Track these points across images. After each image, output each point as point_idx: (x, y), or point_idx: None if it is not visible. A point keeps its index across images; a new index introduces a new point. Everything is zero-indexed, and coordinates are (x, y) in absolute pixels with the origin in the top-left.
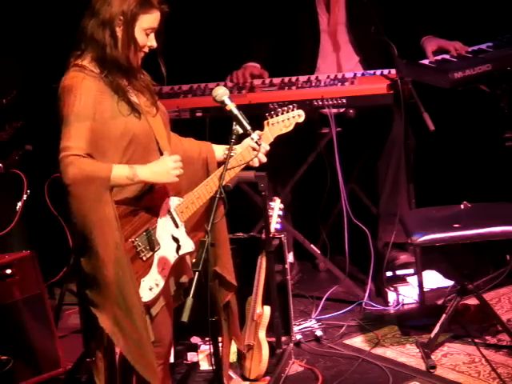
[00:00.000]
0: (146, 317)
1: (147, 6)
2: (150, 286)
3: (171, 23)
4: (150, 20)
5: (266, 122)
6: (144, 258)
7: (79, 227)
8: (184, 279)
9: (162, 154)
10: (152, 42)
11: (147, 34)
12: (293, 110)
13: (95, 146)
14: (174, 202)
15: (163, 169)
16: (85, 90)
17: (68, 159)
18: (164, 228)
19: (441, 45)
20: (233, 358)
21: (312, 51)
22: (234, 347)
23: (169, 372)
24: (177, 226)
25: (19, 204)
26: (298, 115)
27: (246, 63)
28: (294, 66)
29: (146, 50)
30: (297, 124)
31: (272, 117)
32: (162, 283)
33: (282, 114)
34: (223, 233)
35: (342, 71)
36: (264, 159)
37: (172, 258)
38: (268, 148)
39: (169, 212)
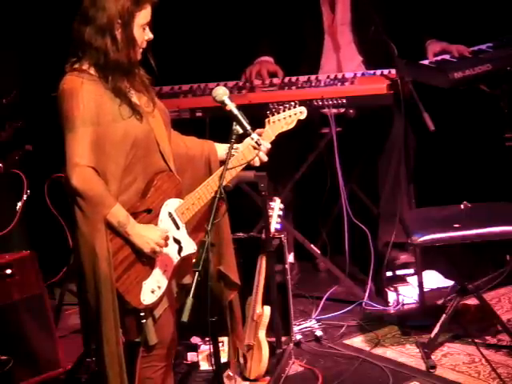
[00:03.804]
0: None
1: (142, 2)
2: (152, 288)
3: (172, 23)
4: (145, 15)
5: (267, 119)
6: (144, 261)
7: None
8: (187, 280)
9: (162, 154)
10: (149, 35)
11: (144, 29)
12: (294, 107)
13: (102, 150)
14: (174, 203)
15: (148, 237)
16: (86, 94)
17: (80, 175)
18: None
19: (444, 47)
20: None
21: (316, 50)
22: None
23: (171, 373)
24: (178, 228)
25: (19, 204)
26: (300, 112)
27: (258, 58)
28: (297, 65)
29: (145, 44)
30: (297, 123)
31: (273, 114)
32: (164, 285)
33: (284, 111)
34: (226, 232)
35: (344, 71)
36: (265, 158)
37: (174, 259)
38: (269, 146)
39: (169, 214)
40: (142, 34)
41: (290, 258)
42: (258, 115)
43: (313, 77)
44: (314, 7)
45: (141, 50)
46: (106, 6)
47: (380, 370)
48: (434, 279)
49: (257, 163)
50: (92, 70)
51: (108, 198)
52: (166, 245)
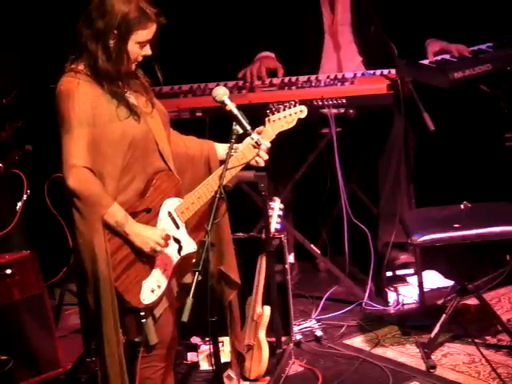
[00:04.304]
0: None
1: (144, 21)
2: (152, 287)
3: (172, 23)
4: (145, 34)
5: (267, 118)
6: (144, 260)
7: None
8: (188, 279)
9: (161, 154)
10: (147, 51)
11: (141, 47)
12: (294, 106)
13: (98, 151)
14: (174, 202)
15: (148, 237)
16: (82, 95)
17: (76, 175)
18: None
19: (443, 47)
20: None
21: (316, 51)
22: None
23: (171, 373)
24: (177, 227)
25: (19, 204)
26: (300, 111)
27: (259, 54)
28: (297, 66)
29: (140, 59)
30: (297, 123)
31: (273, 113)
32: (164, 284)
33: (284, 110)
34: (226, 232)
35: (344, 71)
36: (265, 157)
37: (174, 258)
38: (269, 145)
39: (169, 213)
40: (139, 50)
41: (290, 258)
42: (257, 115)
43: (313, 77)
44: (314, 8)
45: (135, 63)
46: (108, 12)
47: (380, 370)
48: (434, 279)
49: (261, 164)
50: (88, 71)
51: (105, 198)
52: (167, 245)
